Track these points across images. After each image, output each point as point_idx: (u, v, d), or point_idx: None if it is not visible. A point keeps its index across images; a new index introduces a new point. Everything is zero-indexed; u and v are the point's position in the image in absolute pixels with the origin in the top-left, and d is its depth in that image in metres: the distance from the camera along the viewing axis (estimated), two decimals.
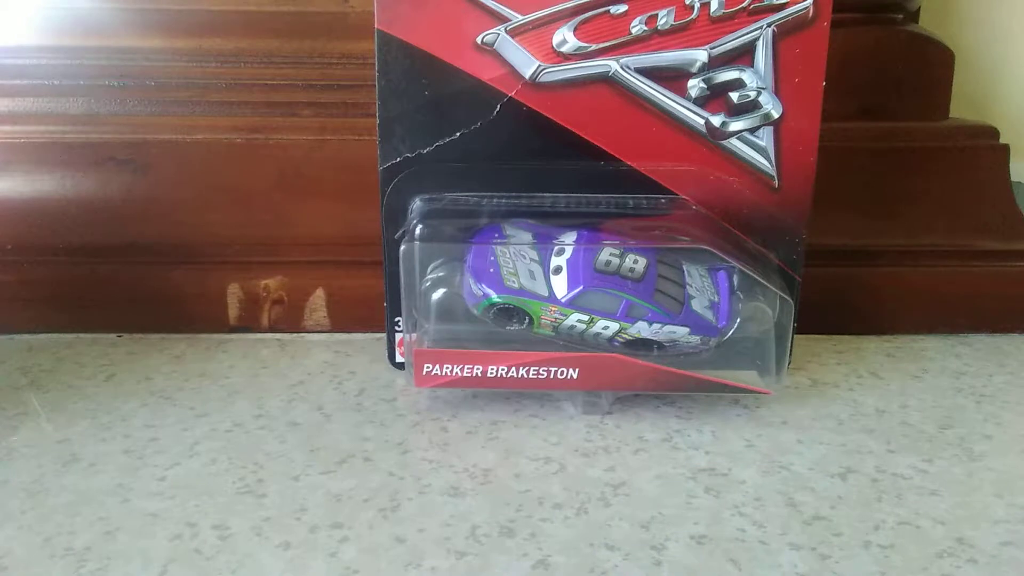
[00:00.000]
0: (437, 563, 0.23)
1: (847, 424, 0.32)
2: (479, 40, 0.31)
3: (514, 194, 0.33)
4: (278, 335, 0.41)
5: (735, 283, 0.32)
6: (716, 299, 0.32)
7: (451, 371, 0.31)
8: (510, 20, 0.31)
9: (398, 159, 0.33)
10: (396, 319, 0.34)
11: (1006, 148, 0.44)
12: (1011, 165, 0.44)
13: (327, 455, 0.29)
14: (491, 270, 0.31)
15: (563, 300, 0.31)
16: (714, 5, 0.31)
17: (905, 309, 0.42)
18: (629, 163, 0.32)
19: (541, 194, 0.33)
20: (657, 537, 0.24)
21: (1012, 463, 0.29)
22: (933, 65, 0.45)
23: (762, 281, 0.32)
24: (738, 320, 0.32)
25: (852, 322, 0.42)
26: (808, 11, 0.31)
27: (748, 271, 0.32)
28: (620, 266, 0.31)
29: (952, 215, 0.43)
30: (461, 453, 0.29)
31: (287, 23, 0.42)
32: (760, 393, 0.32)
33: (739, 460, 0.29)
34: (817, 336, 0.41)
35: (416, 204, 0.33)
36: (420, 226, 0.32)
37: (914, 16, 0.50)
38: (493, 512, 0.26)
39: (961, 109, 0.47)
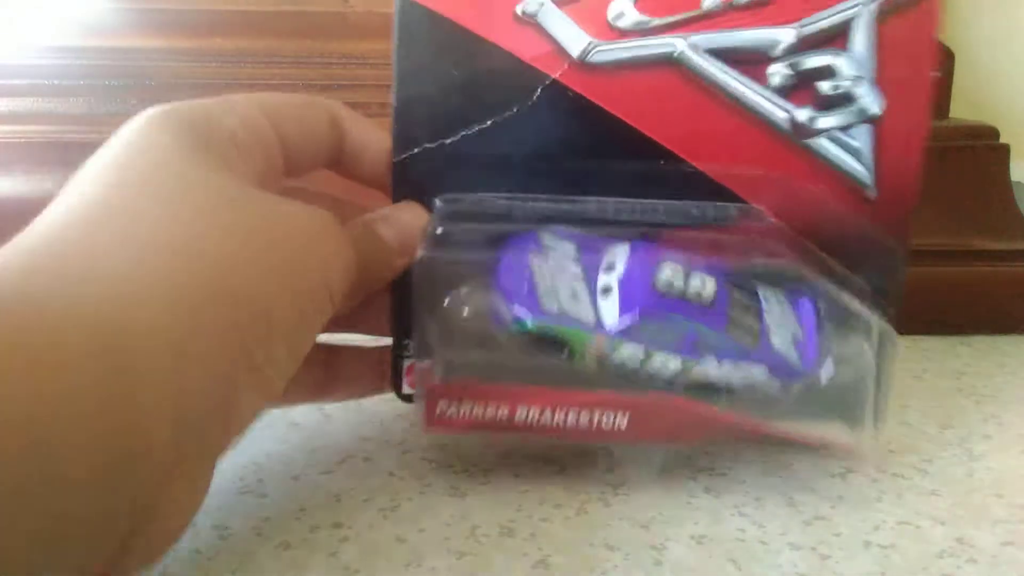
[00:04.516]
0: (437, 563, 0.23)
1: None
2: (519, 10, 0.26)
3: (554, 197, 0.27)
4: None
5: (823, 314, 0.26)
6: (800, 334, 0.26)
7: (471, 412, 0.26)
8: None
9: (416, 150, 0.27)
10: (405, 342, 0.28)
11: (1006, 148, 0.44)
12: (1011, 165, 0.44)
13: (327, 455, 0.29)
14: (525, 288, 0.25)
15: (613, 329, 0.25)
16: None
17: (905, 309, 0.42)
18: (694, 164, 0.27)
19: (586, 198, 0.27)
20: (657, 537, 0.24)
21: (1012, 463, 0.29)
22: None
23: (857, 310, 0.26)
24: (828, 361, 0.26)
25: None
26: None
27: (841, 296, 0.26)
28: (685, 288, 0.25)
29: (952, 215, 0.43)
30: (461, 453, 0.29)
31: (287, 23, 0.42)
32: (850, 453, 0.27)
33: (739, 460, 0.29)
34: None
35: (437, 205, 0.27)
36: (439, 232, 0.26)
37: None
38: (493, 512, 0.26)
39: (961, 109, 0.47)
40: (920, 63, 0.26)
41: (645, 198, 0.27)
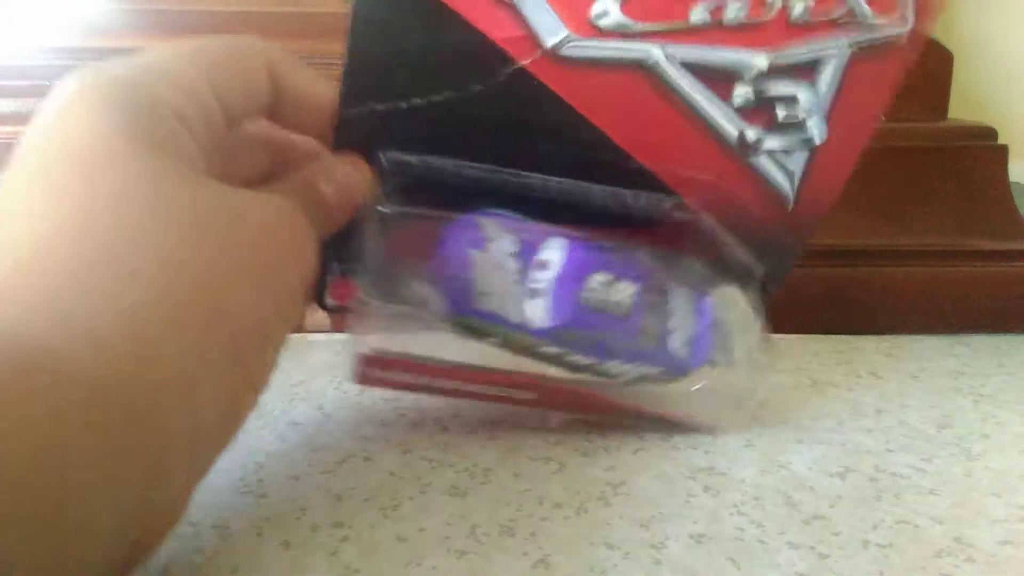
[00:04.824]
0: (437, 562, 0.23)
1: (846, 424, 0.32)
2: None
3: (500, 169, 0.27)
4: None
5: (716, 312, 0.30)
6: (696, 332, 0.29)
7: (397, 377, 0.29)
8: None
9: (363, 109, 0.26)
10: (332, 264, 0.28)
11: (1005, 148, 0.44)
12: (1010, 165, 0.44)
13: (327, 454, 0.29)
14: (462, 284, 0.27)
15: (539, 331, 0.28)
16: (798, 9, 0.26)
17: (904, 309, 0.42)
18: (640, 161, 0.28)
19: (531, 174, 0.28)
20: (657, 536, 0.25)
21: (1010, 462, 0.30)
22: (932, 66, 0.45)
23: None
24: (711, 357, 0.30)
25: (851, 322, 0.42)
26: (902, 37, 0.26)
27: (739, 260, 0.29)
28: (607, 300, 0.28)
29: (950, 215, 0.43)
30: (462, 452, 0.29)
31: (288, 23, 0.42)
32: (710, 428, 0.31)
33: (738, 459, 0.29)
34: (817, 336, 0.41)
35: (383, 163, 0.27)
36: (389, 193, 0.27)
37: None
38: (493, 511, 0.26)
39: (960, 110, 0.47)
40: (872, 108, 0.27)
41: (587, 181, 0.28)
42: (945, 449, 0.30)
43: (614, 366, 0.29)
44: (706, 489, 0.27)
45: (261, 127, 0.27)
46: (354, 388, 0.35)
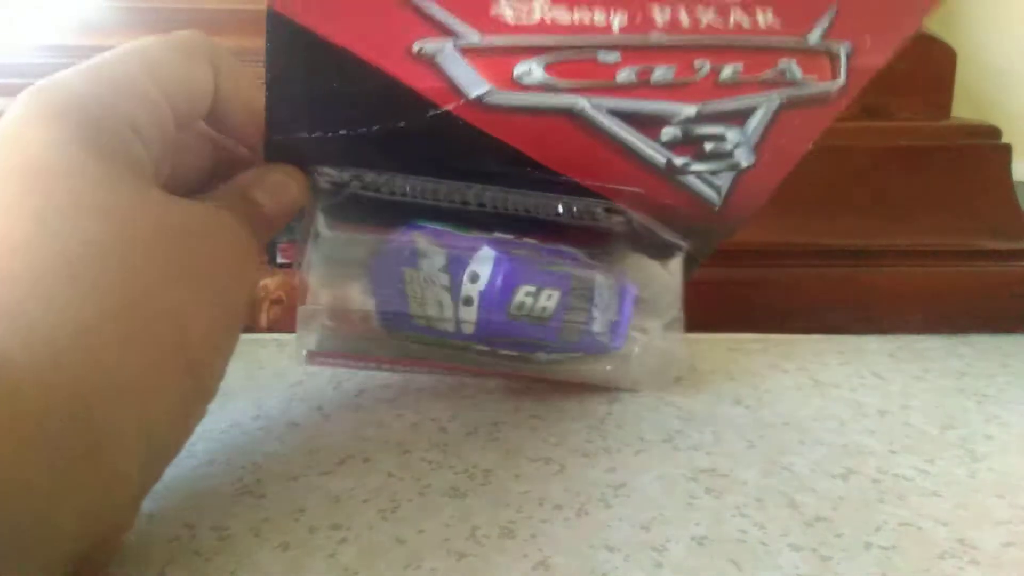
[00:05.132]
0: (437, 564, 0.23)
1: (849, 425, 0.32)
2: (416, 48, 0.24)
3: (435, 180, 0.28)
4: (276, 336, 0.40)
5: (638, 300, 0.32)
6: (616, 318, 0.31)
7: (340, 363, 0.33)
8: (460, 35, 0.24)
9: (288, 136, 0.26)
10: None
11: (1008, 147, 0.44)
12: (1013, 164, 0.44)
13: (326, 455, 0.29)
14: (396, 297, 0.30)
15: (472, 335, 0.30)
16: (726, 72, 0.26)
17: (907, 309, 0.42)
18: (568, 175, 0.28)
19: (464, 184, 0.28)
20: (658, 538, 0.24)
21: (1014, 464, 0.29)
22: (935, 64, 0.45)
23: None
24: (632, 336, 0.32)
25: (853, 322, 0.42)
26: (832, 91, 0.27)
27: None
28: (533, 308, 0.30)
29: (954, 215, 0.43)
30: (461, 454, 0.29)
31: None
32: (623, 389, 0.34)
33: (740, 461, 0.29)
34: (819, 336, 0.41)
35: (316, 179, 0.28)
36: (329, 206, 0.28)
37: None
38: (493, 513, 0.26)
39: (963, 108, 0.47)
40: (801, 142, 0.28)
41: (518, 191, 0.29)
42: (948, 450, 0.30)
43: (539, 356, 0.32)
44: (708, 491, 0.27)
45: (204, 127, 0.27)
46: (353, 388, 0.35)
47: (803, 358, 0.39)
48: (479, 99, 0.25)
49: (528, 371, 0.33)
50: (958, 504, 0.27)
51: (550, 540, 0.24)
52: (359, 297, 0.30)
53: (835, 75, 0.27)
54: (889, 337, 0.42)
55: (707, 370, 0.37)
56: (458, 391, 0.34)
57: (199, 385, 0.22)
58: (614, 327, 0.31)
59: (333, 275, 0.30)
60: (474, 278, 0.29)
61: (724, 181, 0.29)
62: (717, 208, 0.30)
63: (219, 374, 0.23)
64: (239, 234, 0.24)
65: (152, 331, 0.19)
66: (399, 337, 0.31)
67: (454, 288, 0.29)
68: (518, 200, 0.29)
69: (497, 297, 0.29)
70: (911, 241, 0.43)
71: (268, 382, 0.35)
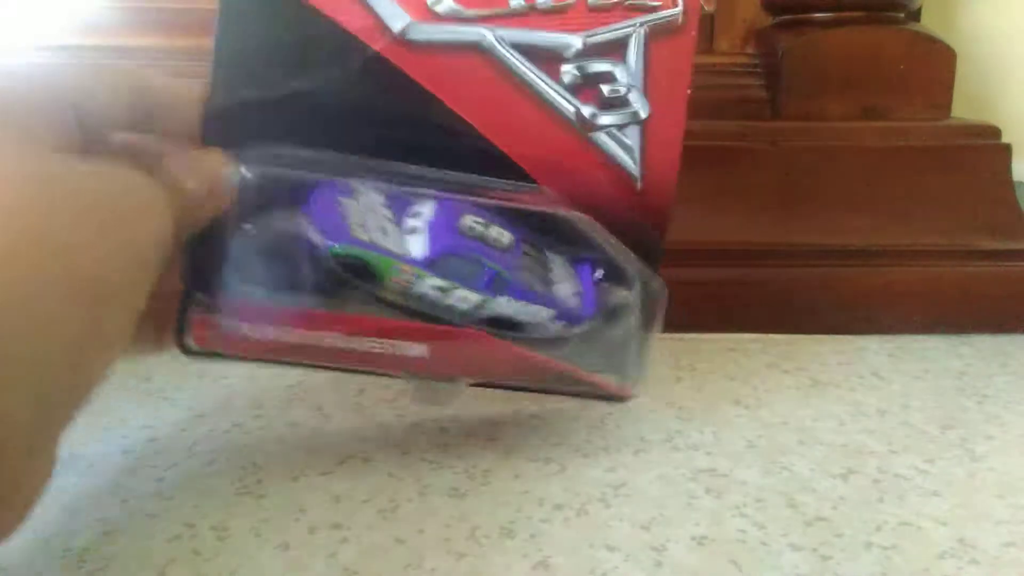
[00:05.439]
0: (437, 564, 0.23)
1: (848, 425, 0.32)
2: None
3: (364, 160, 0.29)
4: None
5: (598, 276, 0.31)
6: (580, 289, 0.30)
7: (275, 335, 0.27)
8: None
9: (233, 101, 0.28)
10: (194, 294, 0.28)
11: (1008, 147, 0.44)
12: (1013, 164, 0.44)
13: (326, 456, 0.29)
14: (335, 219, 0.27)
15: (420, 259, 0.27)
16: None
17: (906, 309, 0.42)
18: (496, 144, 0.30)
19: (400, 163, 0.29)
20: (658, 538, 0.24)
21: (1014, 464, 0.29)
22: (935, 64, 0.45)
23: (630, 270, 0.30)
24: (602, 311, 0.30)
25: (853, 322, 0.42)
26: (678, 18, 0.31)
27: (616, 259, 0.30)
28: (485, 234, 0.28)
29: (954, 215, 0.43)
30: (461, 454, 0.29)
31: None
32: (621, 399, 0.30)
33: (740, 461, 0.29)
34: (818, 336, 0.41)
35: (245, 152, 0.27)
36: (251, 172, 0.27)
37: (915, 15, 0.50)
38: (493, 513, 0.26)
39: (963, 108, 0.47)
40: (679, 81, 0.31)
41: (448, 170, 0.29)
42: (948, 450, 0.30)
43: (505, 303, 0.28)
44: (708, 491, 0.27)
45: (129, 139, 0.28)
46: (353, 388, 0.35)
47: (803, 358, 0.39)
48: (402, 35, 0.29)
49: (496, 338, 0.29)
50: (958, 504, 0.27)
51: (550, 540, 0.24)
52: (294, 219, 0.28)
53: (674, 1, 0.31)
54: (888, 337, 0.42)
55: (707, 370, 0.37)
56: None
57: (95, 327, 0.21)
58: (581, 295, 0.30)
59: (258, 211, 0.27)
60: (417, 215, 0.28)
61: (633, 140, 0.31)
62: (638, 181, 0.31)
63: (125, 333, 0.23)
64: (143, 184, 0.24)
65: (48, 281, 0.20)
66: (334, 269, 0.27)
67: (397, 219, 0.28)
68: (448, 179, 0.29)
69: (445, 218, 0.28)
70: (910, 241, 0.43)
71: (268, 382, 0.35)
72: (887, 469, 0.29)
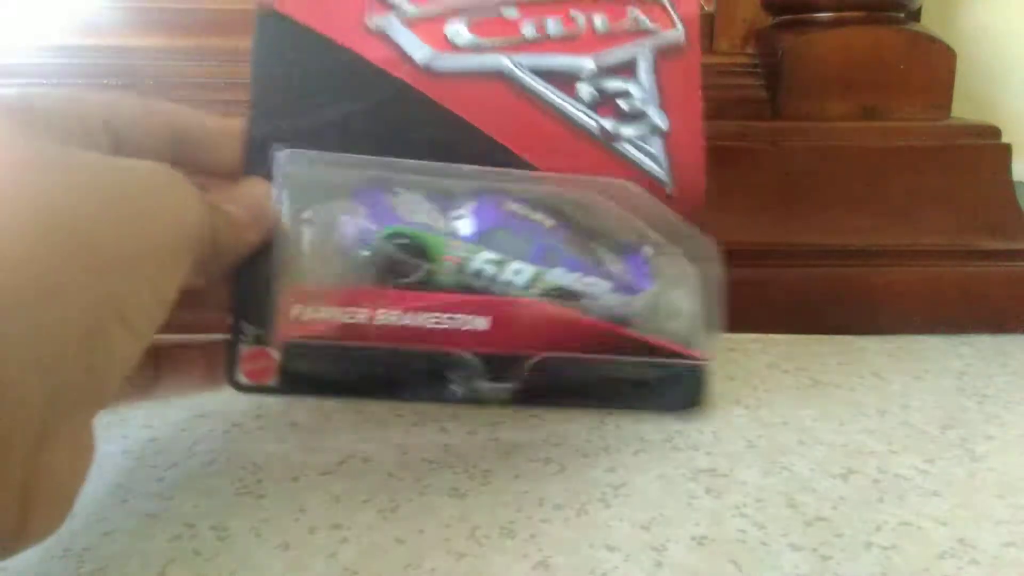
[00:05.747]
0: (437, 564, 0.23)
1: (848, 425, 0.32)
2: (370, 24, 0.30)
3: (400, 161, 0.30)
4: None
5: (648, 252, 0.31)
6: (631, 270, 0.30)
7: (329, 316, 0.27)
8: (398, 7, 0.30)
9: (271, 128, 0.29)
10: (243, 326, 0.28)
11: (1008, 147, 0.44)
12: (1013, 164, 0.44)
13: (326, 455, 0.29)
14: (384, 208, 0.28)
15: (469, 235, 0.28)
16: (598, 22, 0.32)
17: (906, 309, 0.42)
18: (528, 160, 0.31)
19: (439, 164, 0.30)
20: (658, 538, 0.24)
21: (1014, 464, 0.29)
22: (935, 64, 0.45)
23: (684, 233, 0.31)
24: (659, 282, 0.30)
25: (853, 322, 0.42)
26: (680, 38, 0.32)
27: (669, 224, 0.31)
28: (530, 214, 0.29)
29: (954, 214, 0.43)
30: (461, 454, 0.29)
31: None
32: (702, 362, 0.30)
33: (740, 461, 0.29)
34: (818, 336, 0.41)
35: (279, 156, 0.28)
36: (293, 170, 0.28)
37: (915, 15, 0.50)
38: (493, 513, 0.26)
39: (963, 108, 0.47)
40: (691, 97, 0.32)
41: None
42: (948, 450, 0.30)
43: (560, 274, 0.29)
44: (708, 491, 0.27)
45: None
46: None
47: (803, 358, 0.39)
48: (427, 67, 0.30)
49: (561, 307, 0.29)
50: (958, 504, 0.27)
51: (550, 540, 0.24)
52: (342, 212, 0.28)
53: (673, 24, 0.32)
54: (889, 337, 0.42)
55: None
56: None
57: (128, 327, 0.21)
58: (631, 270, 0.30)
59: (310, 199, 0.28)
60: (460, 206, 0.29)
61: (657, 149, 0.32)
62: (668, 186, 0.32)
63: (153, 320, 0.22)
64: (173, 178, 0.24)
65: (66, 259, 0.20)
66: (389, 254, 0.28)
67: (443, 211, 0.29)
68: (497, 176, 0.30)
69: (488, 203, 0.29)
70: (910, 241, 0.43)
71: None
72: (887, 469, 0.29)
